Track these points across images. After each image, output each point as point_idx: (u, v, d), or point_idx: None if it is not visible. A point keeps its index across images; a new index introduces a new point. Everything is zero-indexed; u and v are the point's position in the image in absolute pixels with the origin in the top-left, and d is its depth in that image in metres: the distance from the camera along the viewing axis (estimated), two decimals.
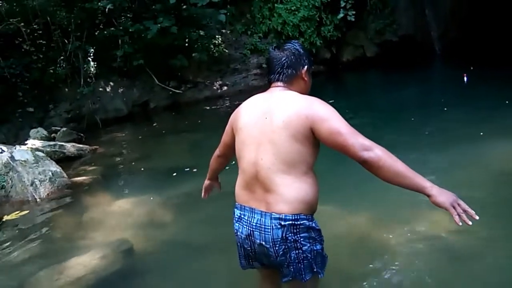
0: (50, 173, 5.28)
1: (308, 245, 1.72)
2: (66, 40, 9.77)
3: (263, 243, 1.74)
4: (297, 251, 1.71)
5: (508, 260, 2.54)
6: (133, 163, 6.28)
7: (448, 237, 2.76)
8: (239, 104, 2.00)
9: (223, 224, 3.68)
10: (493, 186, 3.46)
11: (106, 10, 9.81)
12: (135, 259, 3.35)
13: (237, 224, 1.88)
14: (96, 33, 10.18)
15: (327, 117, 1.67)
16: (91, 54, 10.24)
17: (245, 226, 1.81)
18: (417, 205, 3.16)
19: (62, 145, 6.96)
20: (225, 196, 4.47)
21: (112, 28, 10.04)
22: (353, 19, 11.42)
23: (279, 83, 1.87)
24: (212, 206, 4.14)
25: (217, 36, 11.68)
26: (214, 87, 11.77)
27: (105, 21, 10.40)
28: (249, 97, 1.95)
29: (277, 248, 1.71)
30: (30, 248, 3.78)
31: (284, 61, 1.86)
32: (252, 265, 1.92)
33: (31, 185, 5.06)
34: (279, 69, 1.87)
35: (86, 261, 3.21)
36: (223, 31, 12.07)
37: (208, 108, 10.44)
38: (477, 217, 1.53)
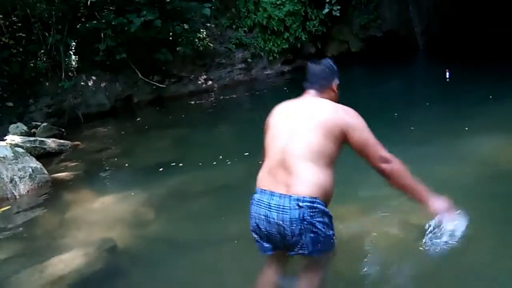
0: (30, 170, 5.16)
1: (323, 229, 1.92)
2: (46, 33, 9.55)
3: (281, 222, 1.91)
4: (312, 234, 1.89)
5: (494, 255, 2.57)
6: (116, 159, 6.19)
7: None
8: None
9: (208, 220, 3.67)
10: (478, 181, 3.49)
11: (88, 2, 9.63)
12: (119, 257, 3.29)
13: (255, 207, 2.04)
14: (78, 26, 9.96)
15: (360, 127, 2.03)
16: (73, 48, 10.03)
17: (263, 208, 1.98)
18: (408, 200, 3.19)
19: (43, 140, 6.82)
20: (210, 192, 4.45)
21: (94, 21, 9.84)
22: (338, 14, 11.46)
23: (312, 91, 2.23)
24: (197, 202, 4.12)
25: (201, 30, 11.58)
26: (199, 82, 11.68)
27: (87, 14, 10.19)
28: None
29: (293, 227, 1.88)
30: (9, 247, 3.69)
31: (320, 73, 2.25)
32: (266, 248, 2.06)
33: (10, 182, 4.93)
34: (314, 79, 2.25)
35: (68, 260, 3.14)
36: (208, 25, 11.96)
37: (192, 102, 10.36)
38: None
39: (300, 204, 1.86)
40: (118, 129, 8.74)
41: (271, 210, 1.93)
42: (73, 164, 6.11)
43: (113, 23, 9.68)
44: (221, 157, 5.12)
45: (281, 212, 1.90)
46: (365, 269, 2.62)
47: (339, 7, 11.36)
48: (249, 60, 12.32)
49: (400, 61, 11.29)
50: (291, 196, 1.89)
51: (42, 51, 9.48)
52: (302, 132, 1.99)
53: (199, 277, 2.86)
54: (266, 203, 1.96)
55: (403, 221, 3.03)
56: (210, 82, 11.79)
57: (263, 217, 1.97)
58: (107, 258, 3.20)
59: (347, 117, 2.02)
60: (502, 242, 2.67)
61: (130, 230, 3.72)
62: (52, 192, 4.99)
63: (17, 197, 4.87)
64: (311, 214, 1.87)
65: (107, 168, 5.95)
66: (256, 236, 2.07)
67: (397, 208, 3.14)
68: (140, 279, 2.94)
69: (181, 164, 5.31)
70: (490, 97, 6.12)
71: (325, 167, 1.95)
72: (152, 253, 3.28)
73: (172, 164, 5.34)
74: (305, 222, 1.86)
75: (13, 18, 9.45)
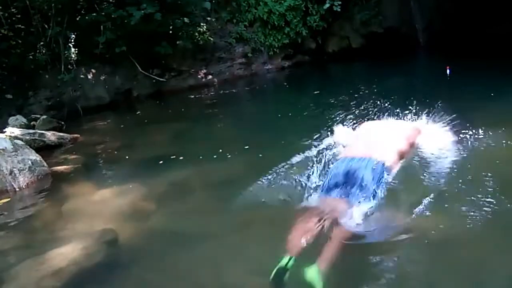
0: (29, 162, 5.16)
1: (382, 185, 2.84)
2: (46, 25, 9.50)
3: (356, 173, 2.80)
4: (374, 185, 2.77)
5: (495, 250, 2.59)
6: (116, 152, 6.18)
7: (429, 230, 2.79)
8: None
9: (208, 213, 3.68)
10: (476, 178, 3.50)
11: None
12: (118, 249, 3.30)
13: (336, 166, 3.01)
14: (78, 19, 9.91)
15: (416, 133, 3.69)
16: (72, 40, 9.99)
17: (342, 166, 2.93)
18: (394, 196, 3.21)
19: (42, 133, 6.80)
20: (210, 184, 4.46)
21: (94, 14, 9.78)
22: (339, 10, 11.43)
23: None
24: (197, 195, 4.13)
25: (202, 24, 11.52)
26: (199, 76, 11.64)
27: (87, 6, 10.14)
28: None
29: (365, 178, 2.77)
30: (9, 239, 3.70)
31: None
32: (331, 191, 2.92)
33: (10, 174, 4.93)
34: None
35: (68, 252, 3.15)
36: (208, 18, 11.90)
37: (192, 96, 10.34)
38: None
39: (374, 164, 2.83)
40: (117, 123, 8.73)
41: (349, 165, 2.85)
42: (73, 157, 6.10)
43: (113, 15, 9.63)
44: (221, 150, 5.12)
45: (357, 168, 2.80)
46: (362, 265, 2.64)
47: (340, 3, 11.32)
48: (249, 54, 12.28)
49: (401, 57, 11.26)
50: (370, 158, 2.88)
51: (42, 43, 9.44)
52: (385, 137, 3.27)
53: (198, 269, 2.88)
54: (346, 162, 2.90)
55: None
56: (210, 77, 11.75)
57: (341, 171, 2.86)
58: (106, 250, 3.22)
59: (415, 129, 3.69)
60: (501, 238, 2.69)
61: (130, 222, 3.73)
62: (51, 185, 4.99)
63: (17, 189, 4.87)
64: (380, 173, 2.80)
65: (106, 161, 5.95)
66: (330, 184, 2.89)
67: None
68: (139, 271, 2.95)
69: (181, 157, 5.30)
70: (492, 94, 6.12)
71: (397, 157, 3.12)
72: (152, 245, 3.29)
73: (172, 157, 5.34)
74: (374, 177, 2.75)
75: (12, 10, 9.39)
